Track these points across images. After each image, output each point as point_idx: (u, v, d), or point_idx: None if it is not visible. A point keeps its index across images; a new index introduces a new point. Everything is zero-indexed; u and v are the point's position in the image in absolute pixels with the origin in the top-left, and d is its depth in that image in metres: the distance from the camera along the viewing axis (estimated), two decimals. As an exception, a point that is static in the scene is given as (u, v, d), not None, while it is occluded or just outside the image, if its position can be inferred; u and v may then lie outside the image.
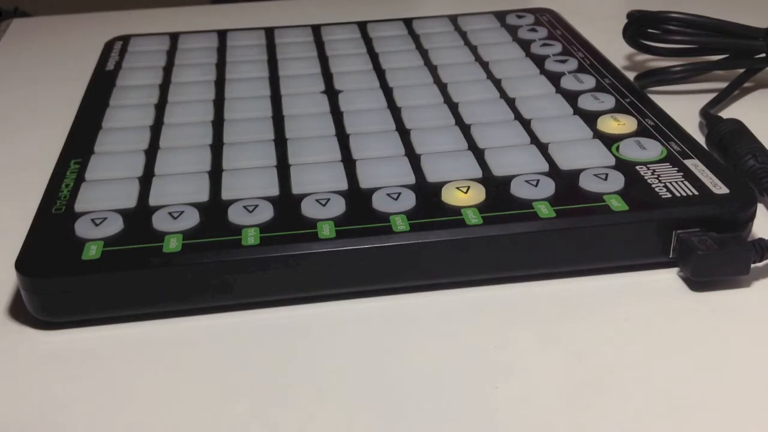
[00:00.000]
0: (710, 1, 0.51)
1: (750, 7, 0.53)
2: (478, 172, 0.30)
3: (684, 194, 0.28)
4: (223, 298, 0.27)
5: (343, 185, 0.29)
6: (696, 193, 0.28)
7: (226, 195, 0.29)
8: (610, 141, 0.32)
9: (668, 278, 0.28)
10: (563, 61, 0.40)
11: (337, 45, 0.43)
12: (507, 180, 0.29)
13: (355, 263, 0.27)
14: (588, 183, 0.29)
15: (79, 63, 0.46)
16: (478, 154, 0.31)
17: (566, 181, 0.29)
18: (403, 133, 0.33)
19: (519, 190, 0.29)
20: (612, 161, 0.31)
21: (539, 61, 0.40)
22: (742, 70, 0.41)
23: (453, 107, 0.36)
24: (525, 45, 0.43)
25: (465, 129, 0.33)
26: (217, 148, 0.33)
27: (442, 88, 0.38)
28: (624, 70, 0.41)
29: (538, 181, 0.29)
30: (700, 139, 0.36)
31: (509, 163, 0.30)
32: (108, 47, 0.44)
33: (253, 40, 0.45)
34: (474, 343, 0.25)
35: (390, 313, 0.27)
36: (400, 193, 0.28)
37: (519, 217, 0.27)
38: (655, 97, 0.37)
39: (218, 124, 0.35)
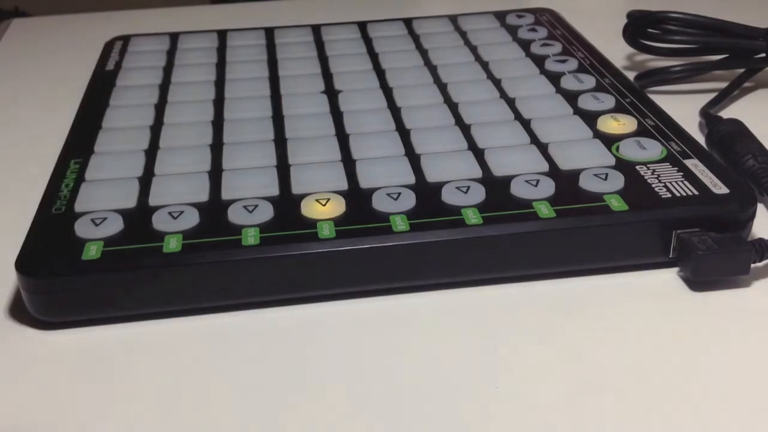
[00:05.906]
0: (710, 1, 0.51)
1: (750, 7, 0.53)
2: (478, 172, 0.30)
3: (684, 194, 0.28)
4: (223, 298, 0.27)
5: (344, 185, 0.29)
6: (696, 193, 0.28)
7: (226, 195, 0.29)
8: (610, 141, 0.32)
9: (668, 278, 0.28)
10: (563, 61, 0.40)
11: (337, 45, 0.43)
12: (507, 180, 0.29)
13: (355, 263, 0.27)
14: (588, 183, 0.29)
15: (79, 63, 0.45)
16: (478, 154, 0.31)
17: (566, 181, 0.29)
18: (403, 133, 0.33)
19: (519, 190, 0.29)
20: (612, 161, 0.31)
21: (539, 61, 0.40)
22: (742, 70, 0.41)
23: (453, 107, 0.36)
24: (525, 45, 0.43)
25: (465, 129, 0.33)
26: (217, 148, 0.33)
27: (442, 88, 0.38)
28: (624, 70, 0.41)
29: (538, 181, 0.29)
30: (700, 139, 0.36)
31: (509, 163, 0.30)
32: (108, 47, 0.44)
33: (253, 40, 0.45)
34: (474, 343, 0.25)
35: (390, 313, 0.27)
36: (400, 193, 0.28)
37: (519, 217, 0.27)
38: (655, 97, 0.37)
39: (218, 124, 0.35)
